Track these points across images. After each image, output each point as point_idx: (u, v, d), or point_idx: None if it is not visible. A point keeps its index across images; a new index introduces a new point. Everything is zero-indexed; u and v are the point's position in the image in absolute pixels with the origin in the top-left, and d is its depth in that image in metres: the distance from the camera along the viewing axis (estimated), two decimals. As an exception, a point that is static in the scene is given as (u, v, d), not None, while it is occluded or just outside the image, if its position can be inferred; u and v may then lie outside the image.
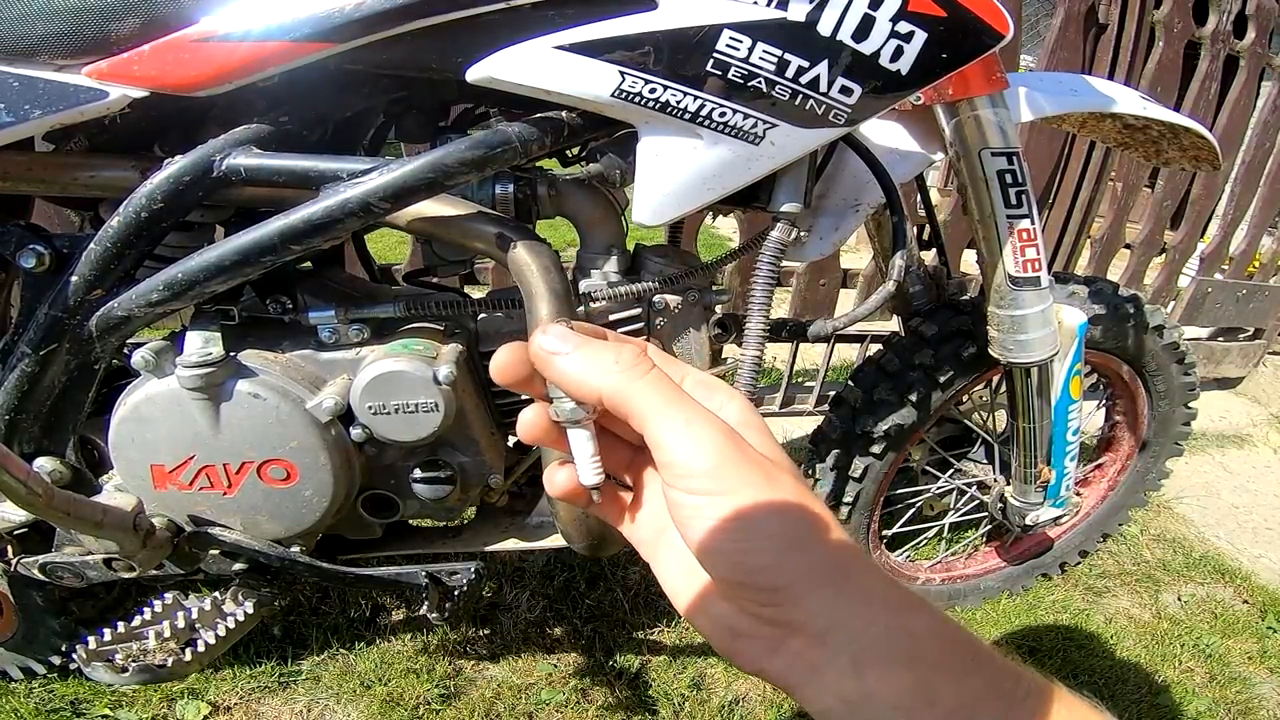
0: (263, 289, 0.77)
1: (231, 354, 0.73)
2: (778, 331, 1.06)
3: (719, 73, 0.64)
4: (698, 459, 0.28)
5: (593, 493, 0.33)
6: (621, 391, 0.28)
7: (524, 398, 0.33)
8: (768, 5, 0.62)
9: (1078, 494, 1.28)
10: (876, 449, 1.09)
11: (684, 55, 0.63)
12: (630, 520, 0.36)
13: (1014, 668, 0.29)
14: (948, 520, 1.34)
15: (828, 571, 0.28)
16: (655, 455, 0.29)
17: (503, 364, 0.31)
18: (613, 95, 0.64)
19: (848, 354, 2.14)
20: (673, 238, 1.08)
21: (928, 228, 1.20)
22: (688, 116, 0.66)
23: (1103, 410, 1.38)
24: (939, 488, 1.29)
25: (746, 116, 0.67)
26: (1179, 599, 1.48)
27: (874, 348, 1.71)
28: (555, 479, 0.34)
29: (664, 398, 0.28)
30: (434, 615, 0.89)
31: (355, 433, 0.76)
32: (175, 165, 0.65)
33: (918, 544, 1.40)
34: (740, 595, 0.29)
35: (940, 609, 0.29)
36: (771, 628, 0.29)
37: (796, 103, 0.66)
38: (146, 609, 0.82)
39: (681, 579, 0.33)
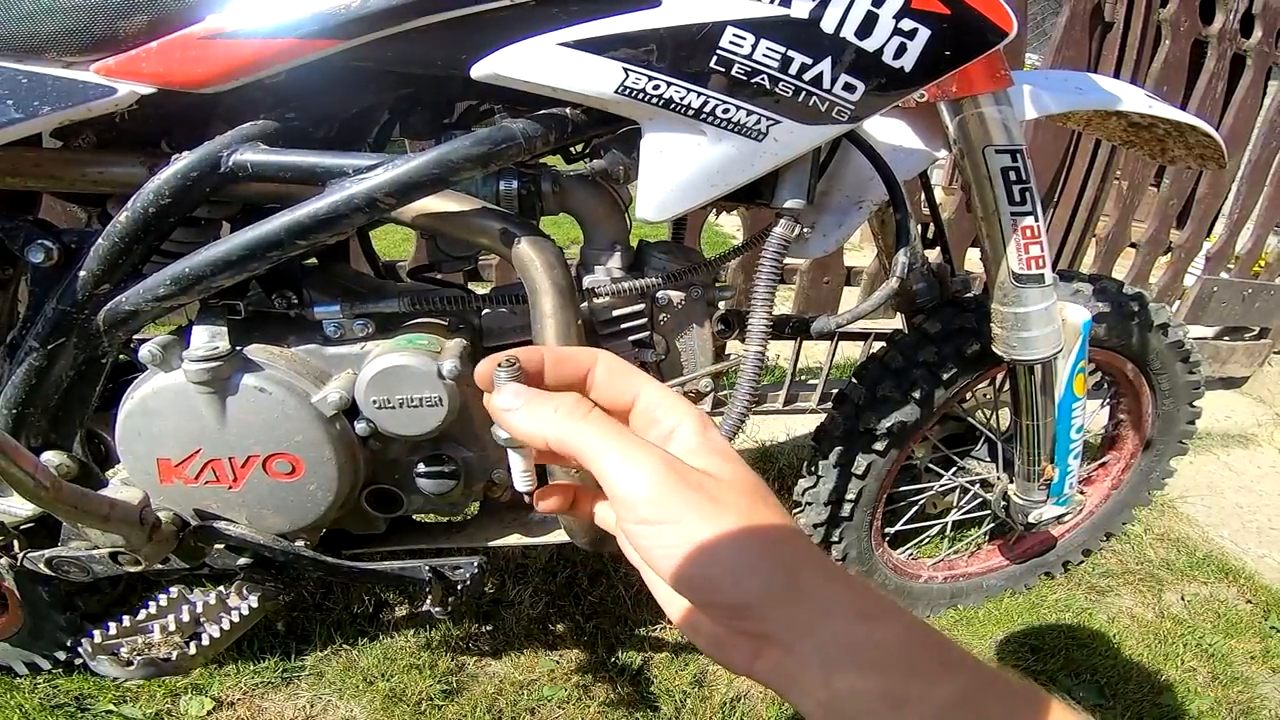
0: (268, 284, 0.78)
1: (237, 349, 0.73)
2: (781, 328, 1.06)
3: (722, 69, 0.64)
4: (638, 488, 0.29)
5: (526, 497, 0.37)
6: (562, 438, 0.30)
7: None
8: (771, 2, 0.62)
9: (1081, 492, 1.27)
10: (879, 446, 1.09)
11: (687, 52, 0.64)
12: (624, 542, 0.37)
13: (990, 672, 0.29)
14: (951, 518, 1.34)
15: (785, 586, 0.29)
16: (605, 491, 0.30)
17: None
18: (616, 92, 0.64)
19: (851, 351, 2.14)
20: (676, 234, 1.08)
21: (931, 225, 1.19)
22: (691, 113, 0.66)
23: (1107, 408, 1.38)
24: (942, 485, 1.29)
25: (750, 113, 0.67)
26: (1183, 598, 1.48)
27: (877, 345, 1.71)
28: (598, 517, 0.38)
29: (600, 436, 0.30)
30: (437, 610, 0.90)
31: (360, 427, 0.77)
32: (183, 161, 0.65)
33: (920, 542, 1.39)
34: (710, 613, 0.30)
35: (910, 614, 0.30)
36: (748, 638, 0.30)
37: (800, 99, 0.66)
38: (151, 603, 0.82)
39: (668, 594, 0.34)
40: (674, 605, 0.34)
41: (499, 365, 0.32)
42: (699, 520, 0.29)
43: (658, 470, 0.29)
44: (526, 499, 0.37)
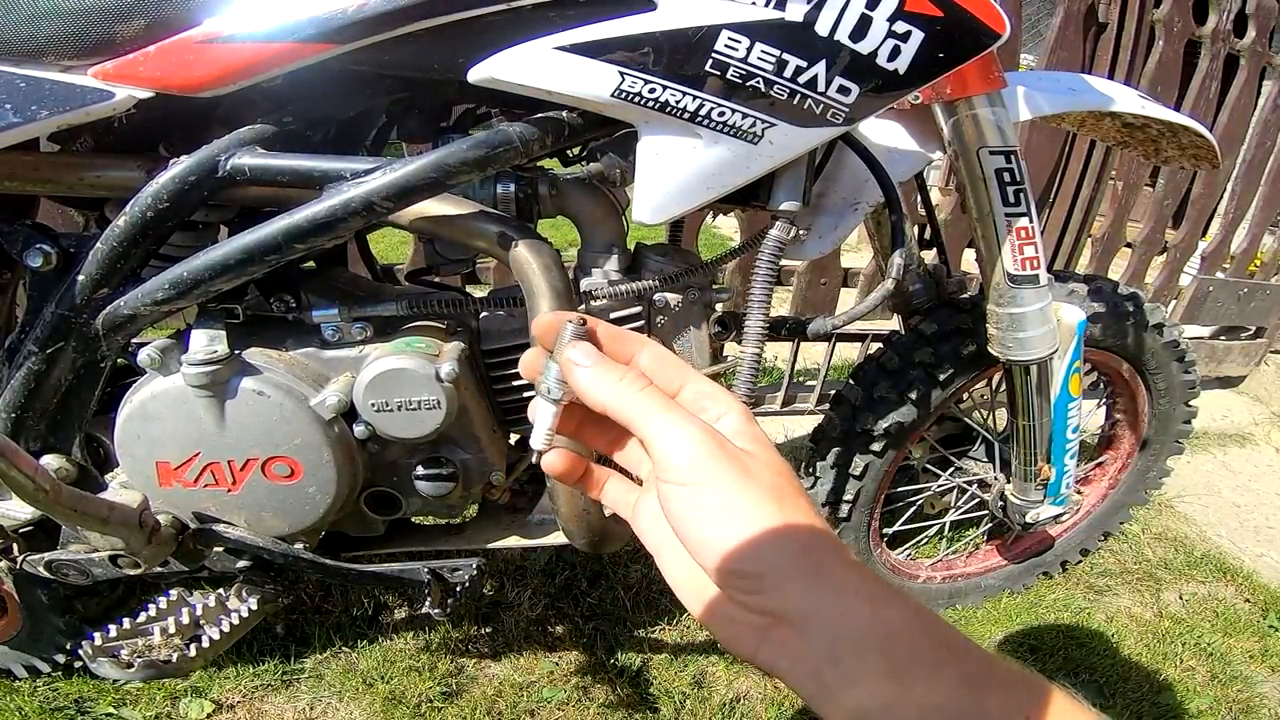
0: (267, 288, 0.78)
1: (236, 352, 0.74)
2: (778, 330, 1.07)
3: (718, 73, 0.65)
4: (679, 453, 0.31)
5: (535, 454, 0.38)
6: (620, 405, 0.33)
7: (525, 396, 0.35)
8: (766, 6, 0.62)
9: (1078, 492, 1.28)
10: (877, 447, 1.10)
11: (683, 55, 0.64)
12: (641, 522, 0.39)
13: (990, 660, 0.30)
14: (949, 518, 1.35)
15: (802, 562, 0.30)
16: (649, 455, 0.33)
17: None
18: (612, 95, 0.65)
19: (849, 353, 2.14)
20: (673, 236, 1.09)
21: (928, 226, 1.20)
22: (687, 116, 0.67)
23: (1103, 408, 1.38)
24: (940, 486, 1.29)
25: (745, 116, 0.67)
26: (1181, 598, 1.48)
27: (874, 346, 1.72)
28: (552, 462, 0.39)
29: (653, 407, 0.33)
30: (436, 611, 0.90)
31: (358, 430, 0.77)
32: (181, 165, 0.66)
33: (919, 542, 1.40)
34: (727, 582, 0.31)
35: (917, 602, 0.31)
36: (759, 615, 0.31)
37: (795, 102, 0.67)
38: (151, 605, 0.82)
39: (684, 574, 0.36)
40: (688, 587, 0.35)
41: (569, 321, 0.34)
42: (731, 487, 0.31)
43: (700, 439, 0.31)
44: (535, 457, 0.38)
